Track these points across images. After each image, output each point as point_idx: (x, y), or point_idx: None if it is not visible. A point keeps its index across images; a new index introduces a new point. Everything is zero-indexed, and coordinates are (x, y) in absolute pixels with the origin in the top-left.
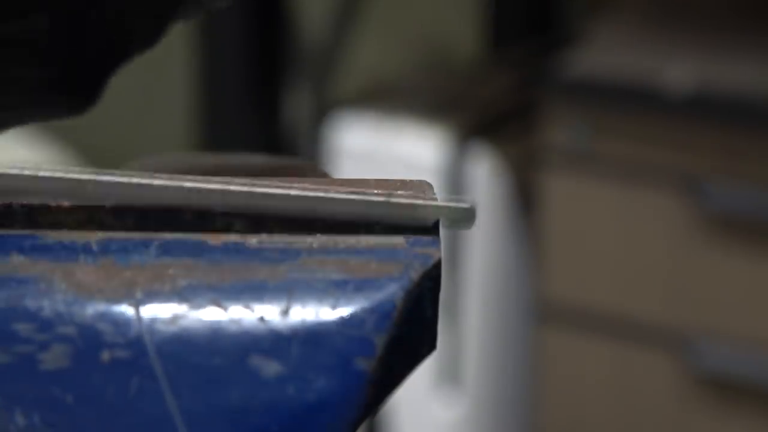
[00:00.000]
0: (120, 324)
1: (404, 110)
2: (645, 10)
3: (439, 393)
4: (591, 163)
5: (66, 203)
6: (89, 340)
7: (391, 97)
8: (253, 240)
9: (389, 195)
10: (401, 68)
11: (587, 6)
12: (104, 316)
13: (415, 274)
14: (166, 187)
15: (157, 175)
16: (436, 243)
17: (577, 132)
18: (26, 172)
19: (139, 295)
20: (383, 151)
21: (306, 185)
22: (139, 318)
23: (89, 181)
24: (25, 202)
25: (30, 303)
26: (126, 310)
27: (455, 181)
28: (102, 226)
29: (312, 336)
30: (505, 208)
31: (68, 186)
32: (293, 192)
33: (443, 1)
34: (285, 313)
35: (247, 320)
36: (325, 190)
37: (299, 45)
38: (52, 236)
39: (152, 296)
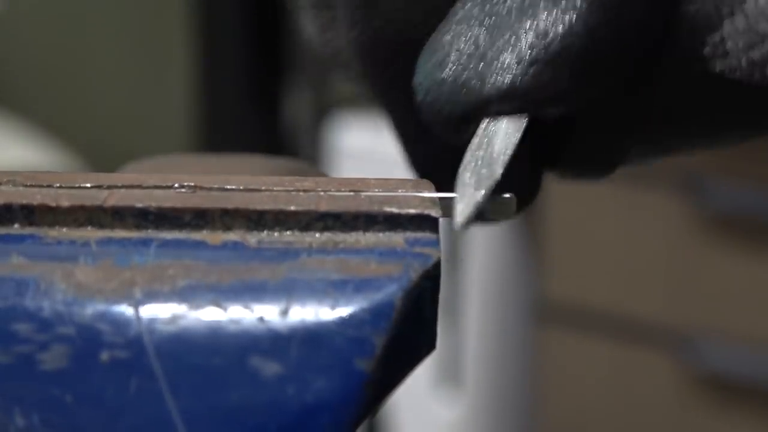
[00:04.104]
0: (119, 324)
1: None
2: None
3: (439, 393)
4: None
5: (66, 203)
6: (89, 340)
7: None
8: (252, 240)
9: (419, 190)
10: None
11: None
12: (104, 316)
13: (414, 273)
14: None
15: (155, 175)
16: (436, 243)
17: None
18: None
19: (138, 295)
20: (383, 151)
21: (307, 184)
22: (138, 318)
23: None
24: (24, 202)
25: (29, 303)
26: (125, 310)
27: None
28: (102, 226)
29: (311, 336)
30: None
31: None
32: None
33: None
34: (284, 313)
35: (246, 320)
36: (327, 189)
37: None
38: (51, 236)
39: (152, 296)
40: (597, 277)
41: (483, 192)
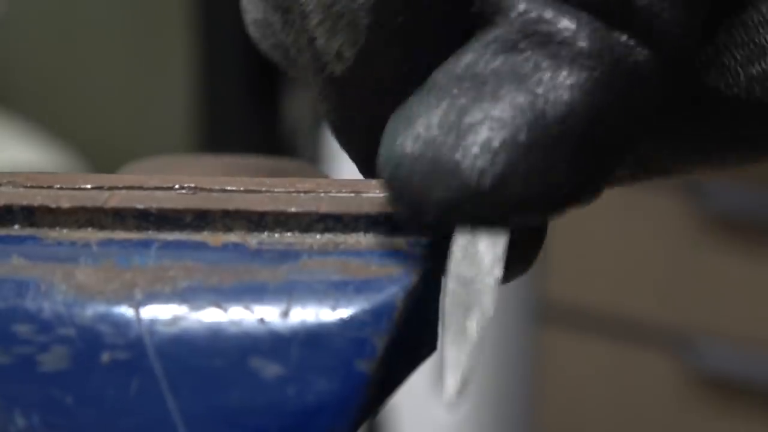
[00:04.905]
0: (120, 325)
1: None
2: None
3: (439, 393)
4: None
5: (66, 204)
6: (89, 341)
7: None
8: (253, 241)
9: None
10: None
11: None
12: (104, 318)
13: (415, 275)
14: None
15: (156, 176)
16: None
17: None
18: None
19: (139, 296)
20: None
21: (308, 185)
22: (139, 319)
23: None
24: (25, 203)
25: (30, 304)
26: (126, 311)
27: None
28: (102, 227)
29: (312, 337)
30: None
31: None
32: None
33: None
34: (285, 314)
35: (247, 322)
36: (327, 190)
37: None
38: (52, 237)
39: (152, 298)
40: (597, 277)
41: (467, 364)
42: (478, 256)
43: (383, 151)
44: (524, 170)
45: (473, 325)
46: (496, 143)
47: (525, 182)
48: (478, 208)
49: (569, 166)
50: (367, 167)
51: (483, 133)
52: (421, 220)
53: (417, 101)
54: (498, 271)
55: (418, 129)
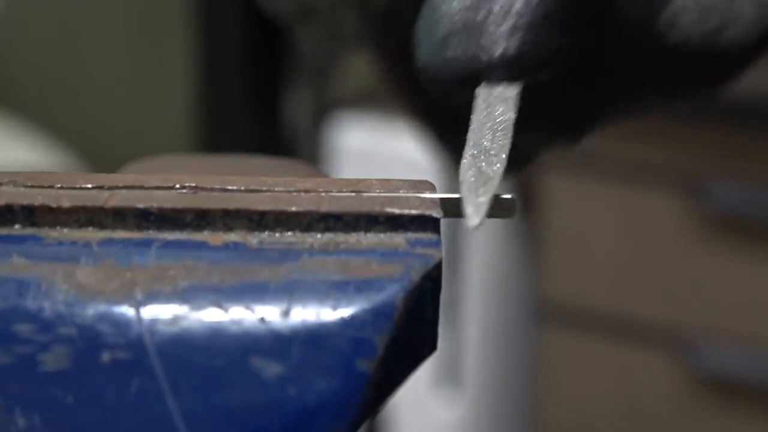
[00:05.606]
0: (120, 325)
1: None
2: None
3: (439, 393)
4: (591, 163)
5: (67, 203)
6: (90, 341)
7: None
8: (253, 241)
9: (420, 190)
10: None
11: None
12: (105, 317)
13: (415, 274)
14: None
15: (157, 175)
16: (437, 243)
17: None
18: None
19: (139, 296)
20: (383, 151)
21: (308, 184)
22: (139, 319)
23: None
24: (25, 202)
25: (30, 304)
26: (126, 311)
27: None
28: (103, 227)
29: (313, 337)
30: None
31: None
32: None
33: None
34: (286, 314)
35: (247, 321)
36: (328, 190)
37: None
38: (52, 236)
39: (153, 297)
40: (597, 277)
41: (487, 198)
42: (495, 105)
43: (422, 34)
44: (533, 43)
45: (487, 179)
46: (511, 28)
47: (535, 51)
48: (499, 74)
49: (559, 34)
50: (405, 80)
51: (497, 25)
52: (449, 91)
53: None
54: (512, 114)
55: (444, 20)
